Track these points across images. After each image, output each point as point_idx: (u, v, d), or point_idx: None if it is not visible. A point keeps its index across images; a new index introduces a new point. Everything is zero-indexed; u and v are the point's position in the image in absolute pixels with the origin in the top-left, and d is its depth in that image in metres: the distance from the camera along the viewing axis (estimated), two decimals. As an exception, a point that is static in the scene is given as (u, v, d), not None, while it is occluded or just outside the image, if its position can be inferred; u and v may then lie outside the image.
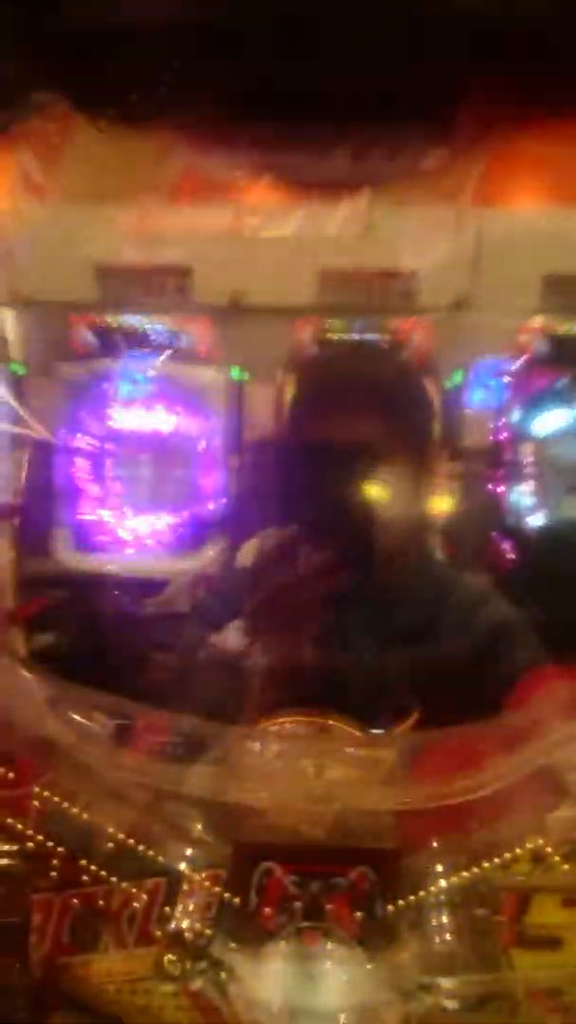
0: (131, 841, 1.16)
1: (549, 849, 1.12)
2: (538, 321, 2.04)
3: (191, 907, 1.15)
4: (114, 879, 1.16)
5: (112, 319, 1.81)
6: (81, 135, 1.31)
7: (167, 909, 1.15)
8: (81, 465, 1.77)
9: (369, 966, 1.12)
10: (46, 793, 1.18)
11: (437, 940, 1.13)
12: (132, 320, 1.82)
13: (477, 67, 1.22)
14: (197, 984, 1.14)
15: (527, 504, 2.16)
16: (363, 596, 1.45)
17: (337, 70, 1.21)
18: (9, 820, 1.17)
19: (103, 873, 1.16)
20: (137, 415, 1.89)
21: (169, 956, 1.13)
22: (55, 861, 1.17)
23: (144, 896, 1.16)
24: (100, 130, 1.25)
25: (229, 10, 1.11)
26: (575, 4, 1.14)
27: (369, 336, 1.83)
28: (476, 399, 2.15)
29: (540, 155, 1.37)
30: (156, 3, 1.11)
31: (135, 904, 1.16)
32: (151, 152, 1.34)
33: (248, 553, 1.75)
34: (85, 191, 1.38)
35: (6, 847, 1.17)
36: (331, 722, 1.26)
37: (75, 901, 1.17)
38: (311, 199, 1.37)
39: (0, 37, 1.14)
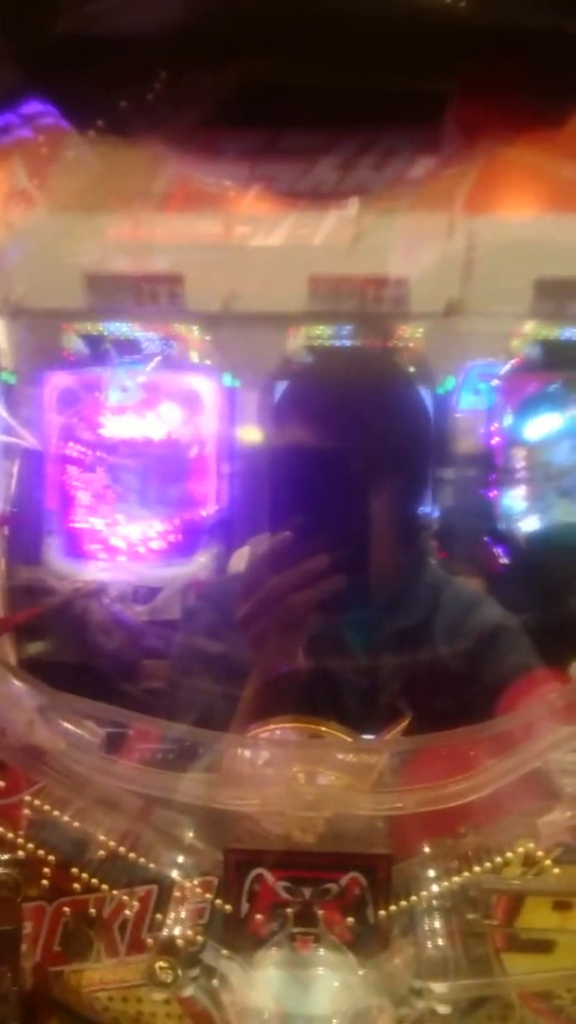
0: (122, 849, 1.16)
1: (540, 853, 1.12)
2: (529, 326, 2.05)
3: (183, 914, 1.15)
4: (106, 887, 1.16)
5: (103, 327, 1.81)
6: (71, 145, 1.31)
7: (159, 916, 1.15)
8: (72, 473, 1.77)
9: (361, 971, 1.13)
10: (37, 801, 1.18)
11: (429, 945, 1.13)
12: (123, 328, 1.82)
13: (467, 75, 1.22)
14: (189, 991, 1.14)
15: (519, 509, 2.16)
16: (355, 601, 1.45)
17: (327, 78, 1.21)
18: (0, 829, 1.17)
19: (94, 881, 1.16)
20: (128, 423, 1.89)
21: (161, 963, 1.12)
22: (46, 869, 1.17)
23: (136, 904, 1.16)
24: (90, 140, 1.26)
25: (218, 20, 1.12)
26: (565, 12, 1.15)
27: (360, 342, 1.83)
28: (467, 404, 2.15)
29: (530, 162, 1.38)
30: (146, 14, 1.11)
31: (127, 912, 1.16)
32: (141, 162, 1.34)
33: (240, 560, 1.76)
34: (75, 200, 1.38)
35: (-3, 856, 1.17)
36: (322, 728, 1.26)
37: (66, 909, 1.17)
38: (301, 208, 1.38)
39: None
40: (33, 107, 1.27)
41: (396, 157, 1.37)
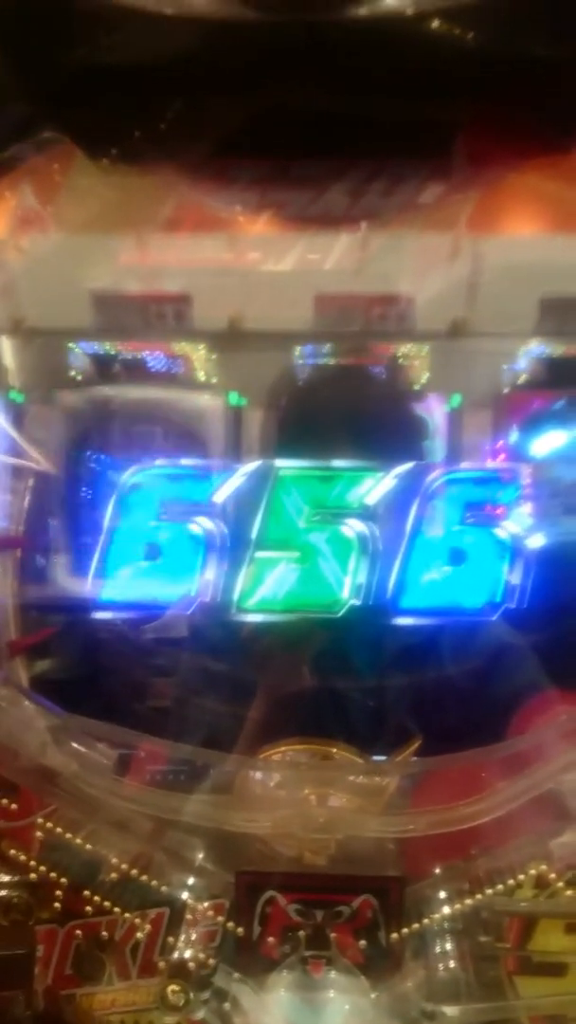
0: (134, 871, 1.17)
1: (553, 875, 1.12)
2: (534, 344, 2.05)
3: (194, 937, 1.15)
4: (117, 909, 1.16)
5: (110, 346, 1.82)
6: (82, 171, 1.33)
7: (170, 939, 1.15)
8: (81, 493, 1.77)
9: (373, 994, 1.13)
10: (49, 823, 1.18)
11: (441, 967, 1.13)
12: (130, 347, 1.83)
13: (475, 104, 1.24)
14: (200, 1014, 1.14)
15: (525, 526, 2.15)
16: (362, 621, 1.46)
17: (337, 108, 1.23)
18: (12, 851, 1.17)
19: (106, 904, 1.16)
20: (135, 441, 1.89)
21: (172, 986, 1.13)
22: (58, 892, 1.17)
23: (147, 926, 1.16)
24: (102, 168, 1.27)
25: (230, 50, 1.13)
26: (568, 41, 1.16)
27: (364, 361, 1.84)
28: (473, 422, 2.15)
29: (534, 185, 1.40)
30: (158, 45, 1.13)
31: (138, 934, 1.16)
32: (151, 189, 1.35)
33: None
34: (85, 225, 1.40)
35: (9, 878, 1.17)
36: (333, 750, 1.26)
37: (78, 932, 1.17)
38: (310, 233, 1.39)
39: (5, 77, 1.16)
40: (47, 134, 1.28)
41: (405, 184, 1.38)
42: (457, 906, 1.13)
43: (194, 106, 1.24)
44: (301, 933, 1.13)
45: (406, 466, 1.47)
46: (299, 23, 1.10)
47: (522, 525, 1.63)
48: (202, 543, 1.50)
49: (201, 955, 1.14)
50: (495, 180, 1.33)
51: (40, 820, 1.18)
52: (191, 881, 1.18)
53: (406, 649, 1.49)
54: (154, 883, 1.17)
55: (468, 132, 1.30)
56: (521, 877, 1.12)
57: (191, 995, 1.12)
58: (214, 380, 1.90)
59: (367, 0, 1.09)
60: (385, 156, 1.37)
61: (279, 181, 1.37)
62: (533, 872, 1.12)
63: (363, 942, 1.12)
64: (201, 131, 1.24)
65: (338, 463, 1.47)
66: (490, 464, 1.67)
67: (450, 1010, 1.11)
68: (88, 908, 1.17)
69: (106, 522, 1.55)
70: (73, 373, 1.79)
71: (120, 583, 1.52)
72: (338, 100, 1.20)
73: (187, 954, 1.14)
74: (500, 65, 1.14)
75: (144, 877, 1.17)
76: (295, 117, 1.25)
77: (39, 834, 1.18)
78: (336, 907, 1.13)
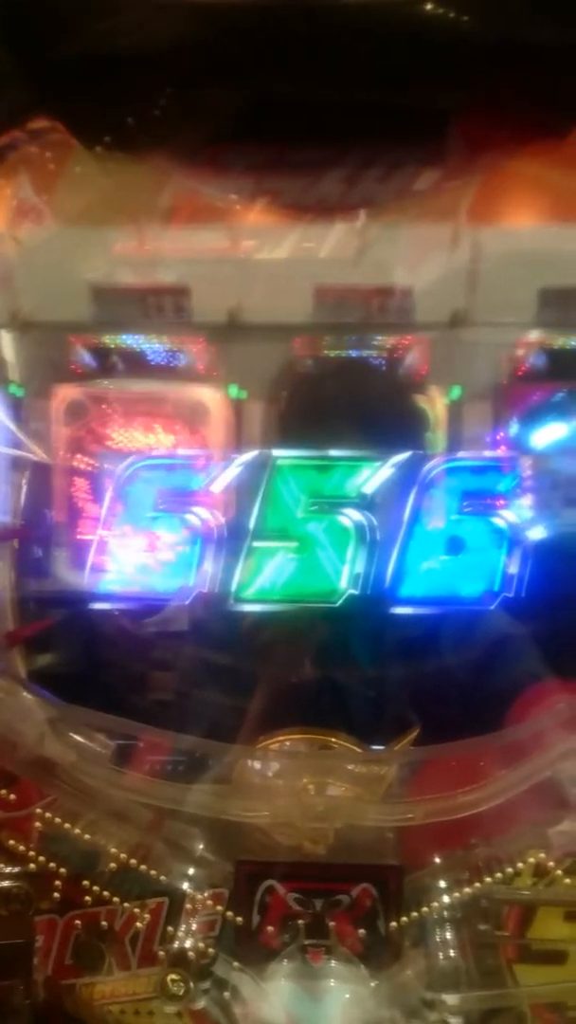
0: (133, 861, 1.17)
1: (551, 863, 1.12)
2: (535, 335, 2.04)
3: (194, 926, 1.15)
4: (117, 899, 1.16)
5: (110, 339, 1.82)
6: (78, 161, 1.32)
7: (170, 929, 1.15)
8: (80, 485, 1.77)
9: (373, 983, 1.13)
10: (48, 814, 1.18)
11: (440, 956, 1.13)
12: (130, 340, 1.83)
13: (471, 89, 1.23)
14: (201, 1004, 1.14)
15: (525, 518, 2.15)
16: (361, 610, 1.46)
17: (332, 94, 1.22)
18: (11, 842, 1.17)
19: (106, 894, 1.16)
20: (135, 435, 1.89)
21: (172, 976, 1.13)
22: (57, 882, 1.17)
23: (147, 916, 1.16)
24: (97, 156, 1.27)
25: (225, 37, 1.13)
26: (566, 28, 1.16)
27: (364, 353, 1.83)
28: (473, 414, 2.14)
29: (533, 174, 1.39)
30: (153, 32, 1.12)
31: (138, 924, 1.16)
32: (147, 177, 1.35)
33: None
34: (82, 215, 1.40)
35: (8, 869, 1.17)
36: (331, 739, 1.26)
37: (78, 922, 1.17)
38: (306, 221, 1.39)
39: (-1, 66, 1.16)
40: (41, 123, 1.28)
41: (401, 170, 1.38)
42: (456, 894, 1.13)
43: (188, 93, 1.23)
44: (300, 922, 1.13)
45: (404, 455, 1.47)
46: (294, 8, 1.09)
47: (521, 517, 1.62)
48: (200, 534, 1.50)
49: (201, 944, 1.14)
50: (492, 166, 1.32)
51: (39, 811, 1.19)
52: (191, 871, 1.18)
53: (404, 638, 1.49)
54: (153, 873, 1.17)
55: (463, 117, 1.30)
56: (520, 865, 1.12)
57: (191, 984, 1.13)
58: (214, 373, 1.90)
59: (362, -16, 1.09)
60: (381, 142, 1.36)
61: (274, 168, 1.37)
62: (532, 860, 1.12)
63: (362, 931, 1.12)
64: (195, 118, 1.23)
65: (335, 452, 1.48)
66: (488, 453, 1.66)
67: (450, 998, 1.11)
68: (87, 898, 1.17)
69: (104, 514, 1.55)
70: (72, 366, 1.79)
71: (118, 574, 1.52)
72: (333, 85, 1.20)
73: (187, 943, 1.14)
74: (495, 49, 1.14)
75: (143, 867, 1.17)
76: (290, 103, 1.25)
77: (38, 824, 1.18)
78: (335, 896, 1.13)
